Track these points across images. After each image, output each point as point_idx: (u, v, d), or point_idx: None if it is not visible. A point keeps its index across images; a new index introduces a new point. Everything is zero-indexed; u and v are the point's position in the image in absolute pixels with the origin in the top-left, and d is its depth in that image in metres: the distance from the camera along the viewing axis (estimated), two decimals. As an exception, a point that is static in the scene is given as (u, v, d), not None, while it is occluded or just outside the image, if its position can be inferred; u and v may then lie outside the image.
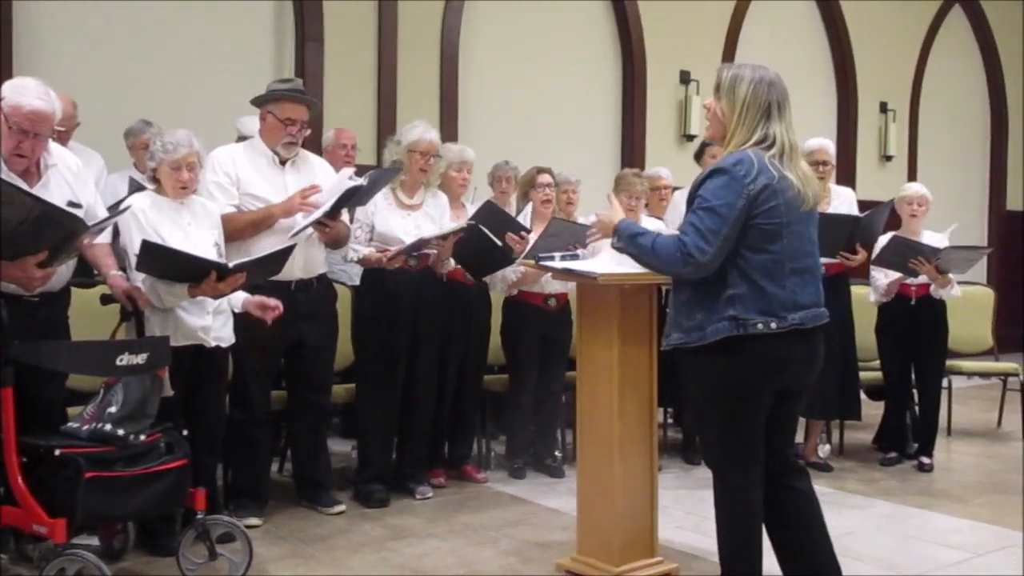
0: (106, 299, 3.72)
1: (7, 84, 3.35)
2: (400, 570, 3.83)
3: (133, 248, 3.76)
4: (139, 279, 3.76)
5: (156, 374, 3.47)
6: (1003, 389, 7.00)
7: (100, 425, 3.31)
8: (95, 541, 3.61)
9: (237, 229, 4.22)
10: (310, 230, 4.29)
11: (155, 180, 3.94)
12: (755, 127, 3.00)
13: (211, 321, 3.94)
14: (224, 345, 4.03)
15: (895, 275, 5.63)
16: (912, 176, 10.32)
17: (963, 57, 11.19)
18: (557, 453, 5.50)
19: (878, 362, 5.95)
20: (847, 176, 9.44)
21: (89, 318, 3.80)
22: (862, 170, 10.06)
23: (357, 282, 5.01)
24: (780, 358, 2.98)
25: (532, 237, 4.85)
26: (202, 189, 4.11)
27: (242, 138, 5.09)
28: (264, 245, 4.20)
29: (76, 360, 3.41)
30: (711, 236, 2.91)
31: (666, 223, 5.62)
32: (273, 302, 3.95)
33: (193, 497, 3.49)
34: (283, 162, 4.45)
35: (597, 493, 3.70)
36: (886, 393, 6.00)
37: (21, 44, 5.66)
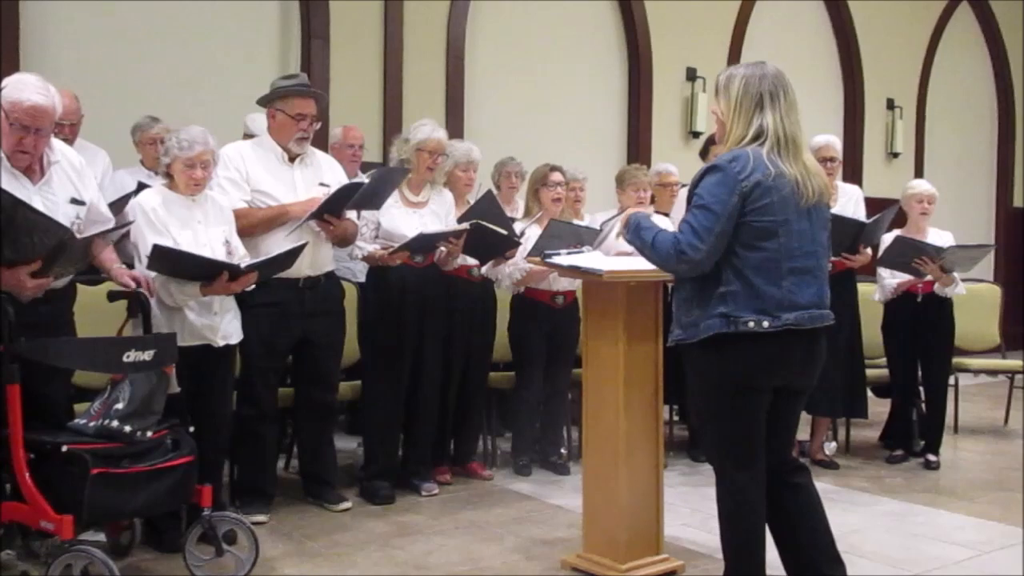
0: (113, 296, 3.72)
1: (6, 81, 3.35)
2: (405, 567, 3.84)
3: (144, 246, 3.77)
4: (149, 277, 3.77)
5: (163, 371, 3.48)
6: (1010, 387, 6.98)
7: (107, 421, 3.31)
8: (102, 537, 3.63)
9: (250, 225, 4.24)
10: (314, 226, 4.30)
11: (167, 175, 3.94)
12: (750, 120, 3.00)
13: (218, 320, 3.95)
14: (232, 343, 4.04)
15: (903, 275, 5.62)
16: (919, 173, 10.30)
17: (970, 54, 11.17)
18: (563, 450, 5.50)
19: (884, 360, 5.94)
20: (854, 173, 9.42)
21: (95, 315, 3.80)
22: (869, 167, 10.04)
23: (363, 279, 5.02)
24: (774, 356, 2.97)
25: (532, 237, 4.88)
26: (213, 184, 4.12)
27: (248, 136, 5.09)
28: (275, 241, 4.21)
29: (83, 357, 3.41)
30: (704, 234, 2.92)
31: (672, 220, 5.61)
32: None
33: (199, 493, 3.50)
34: (292, 159, 4.46)
35: (603, 490, 3.70)
36: (892, 391, 5.99)
37: (28, 42, 5.67)
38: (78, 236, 3.32)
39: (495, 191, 5.44)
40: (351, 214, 4.51)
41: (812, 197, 3.01)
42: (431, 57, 7.27)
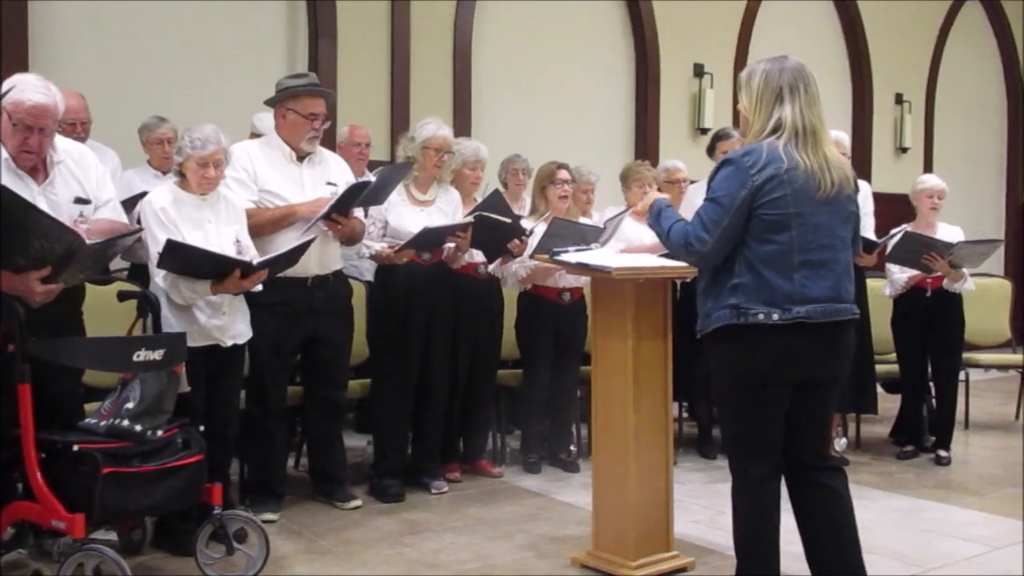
0: (123, 296, 3.73)
1: (7, 82, 3.36)
2: (415, 565, 3.84)
3: (155, 245, 3.78)
4: (160, 276, 3.78)
5: (173, 370, 3.49)
6: (1021, 382, 6.97)
7: (117, 421, 3.32)
8: (113, 536, 3.64)
9: (258, 225, 4.24)
10: (322, 225, 4.30)
11: (179, 174, 3.95)
12: (770, 113, 3.00)
13: (227, 320, 3.96)
14: (240, 342, 4.05)
15: (912, 270, 5.61)
16: (928, 168, 10.27)
17: (979, 47, 11.12)
18: (572, 447, 5.50)
19: (894, 355, 5.92)
20: (863, 168, 9.39)
21: (105, 314, 3.82)
22: (877, 162, 10.01)
23: (370, 278, 5.02)
24: (787, 351, 2.95)
25: (539, 235, 4.88)
26: (221, 184, 4.13)
27: (255, 135, 5.10)
28: (283, 241, 4.22)
29: (93, 356, 3.42)
30: (712, 226, 2.95)
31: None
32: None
33: (210, 492, 3.51)
34: (300, 159, 4.46)
35: (612, 487, 3.70)
36: (902, 386, 5.98)
37: (38, 43, 5.69)
38: (88, 242, 3.32)
39: (502, 189, 5.44)
40: (358, 212, 4.52)
41: (831, 189, 2.98)
42: (438, 55, 7.27)
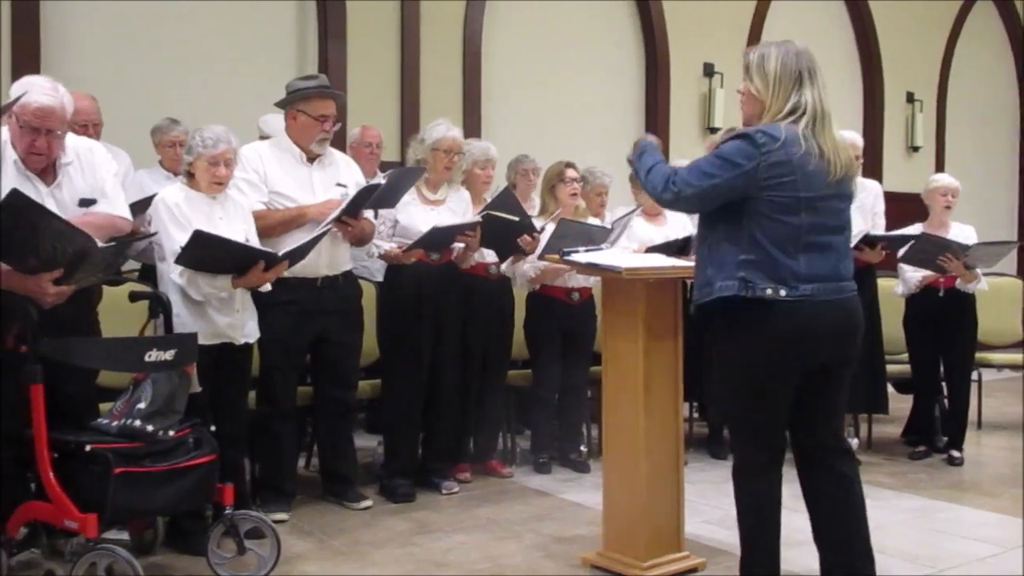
0: (134, 296, 3.75)
1: (17, 84, 3.37)
2: (425, 565, 3.85)
3: (169, 242, 3.79)
4: (175, 272, 3.78)
5: (184, 370, 3.50)
6: (1033, 381, 6.93)
7: (129, 421, 3.34)
8: (125, 536, 3.66)
9: (268, 227, 4.25)
10: (332, 228, 4.31)
11: (188, 174, 3.96)
12: (789, 96, 3.02)
13: (239, 318, 3.97)
14: (251, 341, 4.06)
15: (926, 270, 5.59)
16: (940, 167, 10.21)
17: (991, 45, 11.06)
18: (582, 448, 5.50)
19: (905, 355, 5.90)
20: (874, 167, 9.35)
21: (117, 315, 3.83)
22: (889, 161, 9.97)
23: (381, 279, 5.03)
24: (800, 331, 2.96)
25: (544, 236, 4.88)
26: (231, 185, 4.14)
27: (263, 137, 5.11)
28: (292, 243, 4.23)
29: (105, 356, 3.43)
30: (703, 177, 3.00)
31: (690, 216, 5.60)
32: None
33: (221, 492, 3.52)
34: (310, 160, 4.47)
35: (623, 487, 3.69)
36: (915, 386, 5.96)
37: (49, 44, 5.71)
38: (100, 245, 3.33)
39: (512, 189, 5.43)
40: (368, 213, 4.52)
41: (839, 172, 3.03)
42: (448, 56, 7.27)
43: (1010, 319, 6.90)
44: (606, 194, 5.70)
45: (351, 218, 4.32)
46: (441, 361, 4.83)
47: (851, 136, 5.49)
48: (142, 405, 3.36)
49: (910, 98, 10.23)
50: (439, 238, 4.66)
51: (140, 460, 3.28)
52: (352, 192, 4.34)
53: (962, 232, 5.70)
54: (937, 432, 5.86)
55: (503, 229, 4.85)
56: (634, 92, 8.41)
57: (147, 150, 5.34)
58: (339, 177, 4.52)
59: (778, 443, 3.10)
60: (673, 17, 8.40)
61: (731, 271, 2.99)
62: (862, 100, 9.96)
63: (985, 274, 5.70)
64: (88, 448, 3.21)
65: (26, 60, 5.50)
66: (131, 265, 4.83)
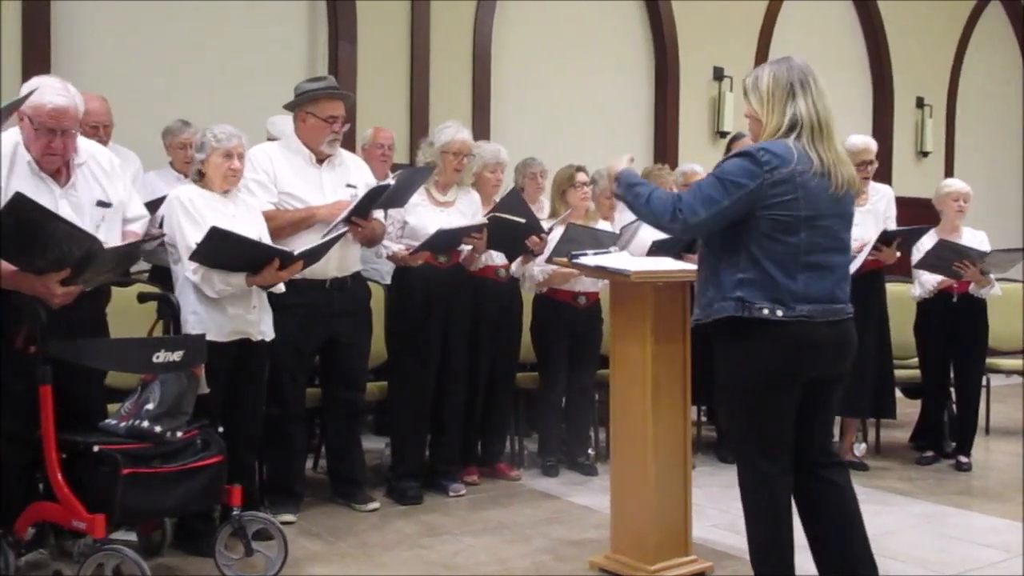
0: (143, 297, 3.76)
1: (27, 85, 3.37)
2: (433, 567, 3.84)
3: (183, 239, 3.80)
4: (190, 269, 3.79)
5: (192, 371, 3.50)
6: (1042, 387, 6.90)
7: (137, 422, 3.34)
8: (133, 536, 3.66)
9: (278, 227, 4.25)
10: (343, 228, 4.32)
11: (199, 174, 3.96)
12: (783, 110, 3.01)
13: (256, 315, 3.98)
14: (267, 339, 4.07)
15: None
16: (949, 172, 10.19)
17: (1001, 51, 11.03)
18: (590, 451, 5.49)
19: (914, 360, 5.88)
20: (884, 172, 9.32)
21: (125, 316, 3.84)
22: (899, 166, 9.95)
23: (389, 281, 5.03)
24: (796, 348, 2.96)
25: (552, 239, 4.87)
26: (241, 186, 4.15)
27: (270, 139, 5.12)
28: (302, 244, 4.23)
29: (113, 357, 3.44)
30: (708, 203, 2.96)
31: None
32: None
33: (229, 493, 3.52)
34: (320, 161, 4.48)
35: (631, 491, 3.69)
36: (923, 391, 5.94)
37: (60, 45, 5.74)
38: (107, 246, 3.33)
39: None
40: (378, 214, 4.53)
41: (841, 187, 3.01)
42: (458, 58, 7.28)
43: (1018, 325, 6.86)
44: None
45: (361, 219, 4.32)
46: (449, 363, 4.83)
47: (864, 140, 5.50)
48: (150, 406, 3.36)
49: (920, 103, 10.21)
50: (445, 240, 4.67)
51: (148, 461, 3.28)
52: (361, 193, 4.35)
53: (975, 237, 5.69)
54: (945, 437, 5.84)
55: (510, 231, 4.85)
56: (644, 95, 8.41)
57: (157, 152, 5.36)
58: (349, 178, 4.52)
59: (788, 451, 3.07)
60: (683, 21, 8.41)
61: (729, 290, 2.98)
62: (872, 105, 9.95)
63: (995, 279, 5.68)
64: (96, 449, 3.21)
65: (36, 61, 5.52)
66: (140, 266, 4.84)
